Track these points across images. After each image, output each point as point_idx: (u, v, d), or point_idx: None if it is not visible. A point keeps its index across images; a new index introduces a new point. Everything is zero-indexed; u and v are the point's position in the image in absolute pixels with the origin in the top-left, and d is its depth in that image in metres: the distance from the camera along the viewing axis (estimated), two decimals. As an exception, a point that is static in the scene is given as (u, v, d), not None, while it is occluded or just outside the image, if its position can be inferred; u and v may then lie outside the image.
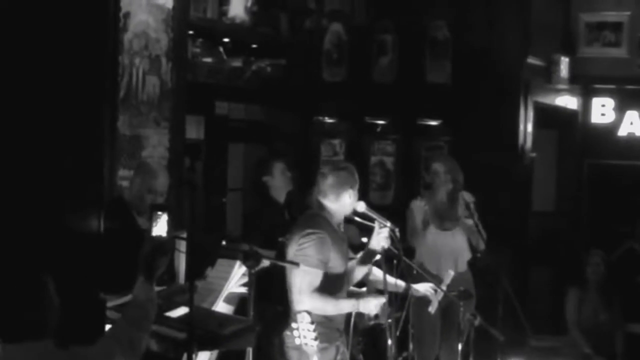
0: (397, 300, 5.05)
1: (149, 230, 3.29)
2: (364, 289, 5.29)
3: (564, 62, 9.19)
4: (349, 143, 8.89)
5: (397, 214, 5.81)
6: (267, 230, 6.06)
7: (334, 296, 4.58)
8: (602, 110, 9.75)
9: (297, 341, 4.16)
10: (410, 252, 6.21)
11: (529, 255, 8.93)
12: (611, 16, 9.45)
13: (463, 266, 6.43)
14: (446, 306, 5.89)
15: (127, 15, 6.03)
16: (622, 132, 9.70)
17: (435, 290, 5.51)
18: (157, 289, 3.31)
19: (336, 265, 4.58)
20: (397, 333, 4.87)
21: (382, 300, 4.56)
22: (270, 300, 5.10)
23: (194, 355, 3.70)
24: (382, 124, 8.89)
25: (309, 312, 4.15)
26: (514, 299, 5.67)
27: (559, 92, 9.41)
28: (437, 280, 5.68)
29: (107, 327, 3.89)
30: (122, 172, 5.96)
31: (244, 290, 4.75)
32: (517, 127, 8.51)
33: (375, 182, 8.84)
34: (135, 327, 3.13)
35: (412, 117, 8.74)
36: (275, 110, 8.71)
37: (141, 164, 5.89)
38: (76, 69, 4.18)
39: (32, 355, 2.79)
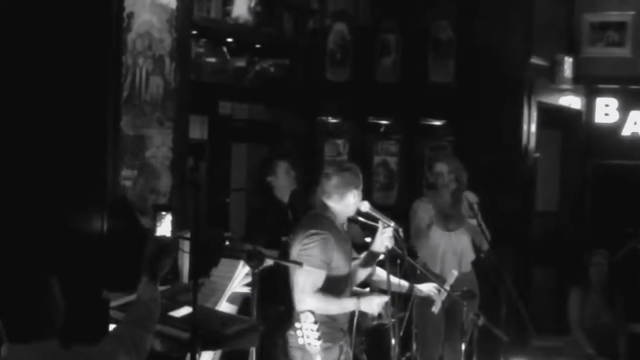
0: (401, 301, 5.05)
1: (153, 230, 3.29)
2: (367, 289, 5.29)
3: (568, 62, 9.18)
4: (352, 143, 8.89)
5: (400, 214, 5.81)
6: (271, 230, 6.07)
7: (338, 296, 4.58)
8: (605, 110, 9.74)
9: (301, 341, 4.16)
10: (413, 253, 6.21)
11: (532, 255, 8.93)
12: (615, 16, 9.44)
13: (467, 266, 6.42)
14: (450, 306, 5.89)
15: (130, 15, 6.04)
16: (626, 131, 9.69)
17: (439, 290, 5.51)
18: (160, 288, 3.32)
19: (340, 265, 4.58)
20: (401, 333, 4.87)
21: (385, 298, 4.55)
22: (273, 300, 5.10)
23: (197, 355, 3.70)
24: (385, 124, 8.89)
25: (312, 312, 4.15)
26: (517, 299, 5.67)
27: (562, 92, 9.40)
28: (440, 280, 5.68)
29: (111, 327, 3.90)
30: (125, 172, 5.97)
31: (247, 290, 4.76)
32: (521, 127, 8.51)
33: (378, 182, 8.84)
34: (139, 327, 3.13)
35: (415, 117, 8.74)
36: (278, 110, 8.71)
37: (144, 164, 5.90)
38: (80, 69, 4.19)
39: (37, 355, 2.80)
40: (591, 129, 9.81)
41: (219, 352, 4.72)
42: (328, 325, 4.47)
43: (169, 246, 3.27)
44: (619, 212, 9.39)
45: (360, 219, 4.77)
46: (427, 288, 5.50)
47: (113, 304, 4.26)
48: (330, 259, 4.52)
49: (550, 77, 9.09)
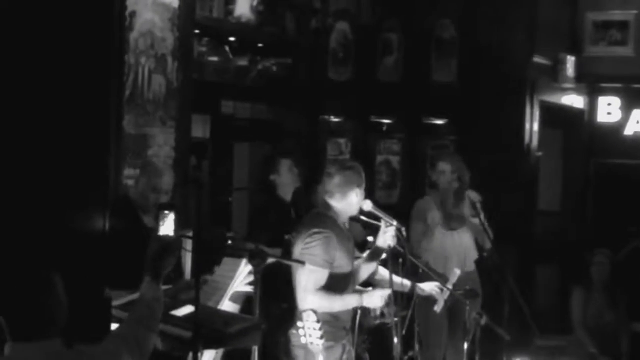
0: (404, 299, 5.05)
1: (156, 229, 3.29)
2: (370, 288, 5.28)
3: (571, 61, 9.18)
4: (355, 142, 8.89)
5: (403, 213, 5.81)
6: (274, 229, 6.07)
7: (340, 295, 4.58)
8: (608, 109, 9.74)
9: (303, 340, 4.17)
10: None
11: (535, 254, 8.92)
12: (618, 15, 9.44)
13: (470, 265, 6.42)
14: (452, 305, 5.88)
15: (133, 14, 6.04)
16: (629, 131, 9.69)
17: (442, 290, 5.51)
18: (163, 287, 3.31)
19: (342, 264, 4.58)
20: (403, 332, 4.86)
21: (387, 292, 4.55)
22: (276, 299, 5.10)
23: (199, 354, 3.70)
24: (388, 123, 8.89)
25: (315, 311, 4.15)
26: (520, 298, 5.67)
27: (565, 91, 9.40)
28: (443, 279, 5.67)
29: (114, 326, 3.90)
30: (127, 171, 5.97)
31: (249, 289, 4.75)
32: (523, 126, 8.51)
33: (381, 181, 8.85)
34: (143, 327, 3.13)
35: (418, 116, 8.75)
36: (281, 110, 8.70)
37: (146, 163, 5.90)
38: (82, 68, 4.19)
39: (41, 354, 2.79)
40: (594, 128, 9.81)
41: (221, 352, 4.71)
42: (331, 324, 4.47)
43: (172, 245, 3.27)
44: (621, 211, 9.39)
45: (363, 217, 4.77)
46: (429, 287, 5.49)
47: (116, 303, 4.26)
48: (332, 258, 4.52)
49: (553, 77, 9.09)
